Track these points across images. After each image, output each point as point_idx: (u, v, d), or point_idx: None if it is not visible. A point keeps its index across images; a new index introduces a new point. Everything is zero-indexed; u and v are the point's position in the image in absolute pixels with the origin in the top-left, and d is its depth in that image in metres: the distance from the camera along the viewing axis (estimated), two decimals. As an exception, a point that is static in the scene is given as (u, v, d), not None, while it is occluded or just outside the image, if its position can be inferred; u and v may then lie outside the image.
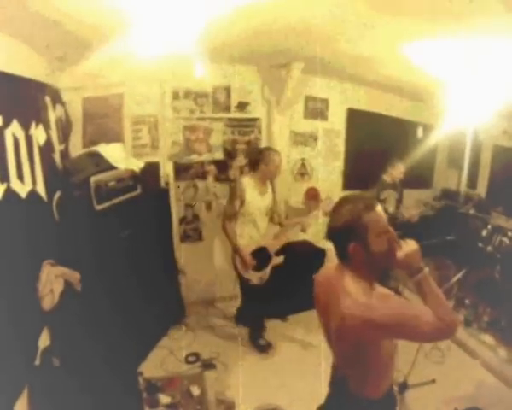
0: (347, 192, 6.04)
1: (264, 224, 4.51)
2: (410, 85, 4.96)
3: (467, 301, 5.48)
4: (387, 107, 6.01)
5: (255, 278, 4.40)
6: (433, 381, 4.24)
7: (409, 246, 1.82)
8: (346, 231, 1.79)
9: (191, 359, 4.29)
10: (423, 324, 1.73)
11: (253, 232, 4.41)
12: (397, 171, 5.49)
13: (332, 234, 1.89)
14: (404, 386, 3.94)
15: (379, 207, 1.83)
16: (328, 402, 2.26)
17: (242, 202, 4.25)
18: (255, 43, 3.79)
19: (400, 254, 1.81)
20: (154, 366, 4.06)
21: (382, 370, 2.00)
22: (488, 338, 4.96)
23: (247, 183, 4.29)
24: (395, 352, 2.01)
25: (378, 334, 1.80)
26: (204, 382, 4.00)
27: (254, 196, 4.31)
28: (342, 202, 1.88)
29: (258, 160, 4.35)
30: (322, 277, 2.15)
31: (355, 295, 1.79)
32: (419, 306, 1.81)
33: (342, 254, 1.87)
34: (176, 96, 4.62)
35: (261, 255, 4.41)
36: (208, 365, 4.23)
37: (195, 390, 3.84)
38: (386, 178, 5.54)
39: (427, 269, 1.82)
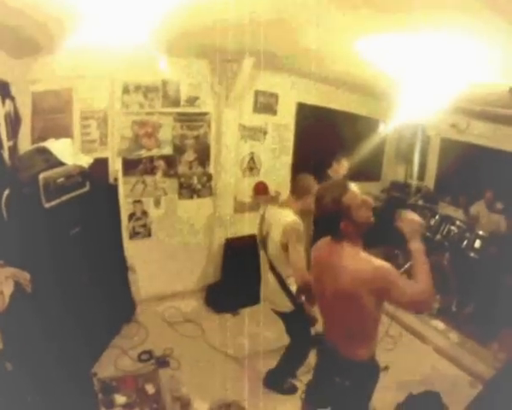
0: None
1: None
2: (360, 80, 5.07)
3: (417, 289, 5.67)
4: (337, 101, 6.14)
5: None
6: (387, 368, 4.37)
7: (409, 215, 2.33)
8: (332, 216, 2.20)
9: (144, 357, 4.24)
10: (404, 288, 2.09)
11: None
12: (341, 167, 5.62)
13: (322, 221, 2.32)
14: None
15: (352, 186, 2.24)
16: (318, 369, 2.68)
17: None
18: (206, 38, 3.76)
19: (400, 221, 2.30)
20: (107, 366, 3.99)
21: (368, 333, 2.35)
22: (439, 324, 5.19)
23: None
24: (379, 318, 2.34)
25: (365, 292, 2.13)
26: (158, 379, 3.96)
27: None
28: (321, 194, 2.29)
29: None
30: (317, 249, 2.51)
31: (347, 261, 2.19)
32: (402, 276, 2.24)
33: (335, 233, 2.27)
34: (126, 90, 4.52)
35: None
36: (162, 362, 4.19)
37: (150, 389, 3.81)
38: (331, 173, 5.66)
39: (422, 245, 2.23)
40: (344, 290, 2.20)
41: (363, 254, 2.21)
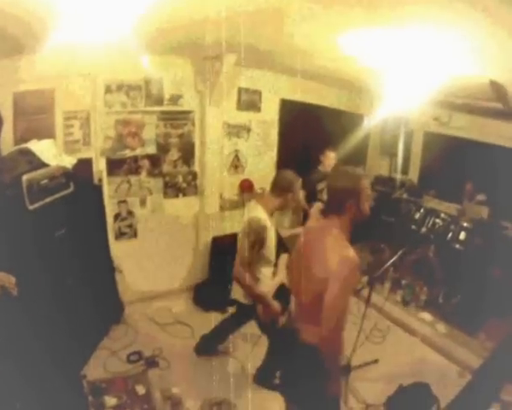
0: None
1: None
2: (344, 75, 5.09)
3: (403, 282, 5.76)
4: (321, 97, 6.16)
5: (281, 321, 3.48)
6: (376, 361, 4.42)
7: None
8: (344, 193, 2.32)
9: (133, 358, 4.21)
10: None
11: (272, 270, 3.71)
12: (329, 159, 5.65)
13: (332, 193, 2.42)
14: (347, 368, 4.06)
15: (366, 181, 2.41)
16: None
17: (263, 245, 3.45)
18: (188, 35, 3.75)
19: None
20: (97, 368, 3.95)
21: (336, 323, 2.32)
22: (427, 315, 5.25)
23: (265, 218, 3.43)
24: (347, 308, 2.41)
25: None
26: (148, 380, 3.94)
27: (271, 229, 3.51)
28: (340, 172, 2.47)
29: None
30: (305, 231, 2.63)
31: (339, 245, 2.26)
32: None
33: (337, 209, 2.36)
34: (108, 89, 4.47)
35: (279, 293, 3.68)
36: (151, 362, 4.17)
37: (141, 389, 3.80)
38: (322, 168, 5.69)
39: None
40: (319, 275, 2.28)
41: (346, 242, 2.30)
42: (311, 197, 5.64)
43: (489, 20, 2.29)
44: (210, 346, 4.38)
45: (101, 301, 4.23)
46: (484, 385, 3.05)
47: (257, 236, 3.33)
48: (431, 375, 4.14)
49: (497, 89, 3.55)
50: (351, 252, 2.20)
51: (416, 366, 4.41)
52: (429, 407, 3.67)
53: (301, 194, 5.63)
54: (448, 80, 3.91)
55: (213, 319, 4.75)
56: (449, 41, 2.87)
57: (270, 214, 3.48)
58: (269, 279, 3.65)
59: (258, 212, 3.40)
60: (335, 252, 2.23)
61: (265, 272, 3.61)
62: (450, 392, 3.39)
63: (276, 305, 3.45)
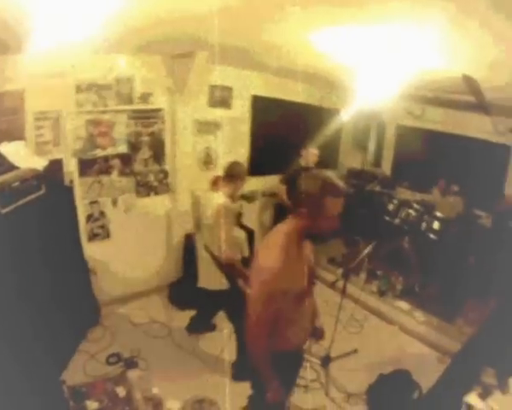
0: (253, 179, 6.19)
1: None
2: (316, 71, 5.11)
3: (379, 273, 5.86)
4: (294, 93, 6.18)
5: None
6: (355, 351, 4.49)
7: None
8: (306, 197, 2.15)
9: (112, 360, 4.16)
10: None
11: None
12: (312, 155, 5.71)
13: (296, 196, 2.23)
14: (327, 359, 4.13)
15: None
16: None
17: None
18: (158, 32, 3.70)
19: None
20: (76, 373, 3.88)
21: (294, 326, 2.30)
22: (404, 304, 5.36)
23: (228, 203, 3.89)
24: (308, 313, 2.37)
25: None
26: (128, 381, 3.90)
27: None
28: (308, 175, 2.27)
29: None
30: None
31: (270, 249, 2.15)
32: None
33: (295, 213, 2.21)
34: (79, 89, 4.36)
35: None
36: (130, 363, 4.13)
37: (121, 391, 3.76)
38: (302, 162, 5.73)
39: None
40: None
41: (278, 250, 2.13)
42: (292, 191, 5.65)
43: (461, 15, 2.34)
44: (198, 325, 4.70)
45: (77, 305, 4.16)
46: (464, 369, 3.13)
47: (231, 217, 3.91)
48: (411, 362, 4.24)
49: (469, 83, 3.65)
50: (271, 261, 2.08)
51: (395, 354, 4.51)
52: (411, 394, 3.77)
53: (282, 189, 5.68)
54: (420, 74, 3.98)
55: (189, 316, 4.77)
56: (421, 36, 2.92)
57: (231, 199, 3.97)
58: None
59: (222, 197, 3.86)
60: (263, 255, 2.17)
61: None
62: (431, 378, 3.46)
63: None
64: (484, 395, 2.61)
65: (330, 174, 2.22)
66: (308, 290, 2.32)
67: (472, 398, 2.61)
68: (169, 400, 3.77)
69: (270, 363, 2.23)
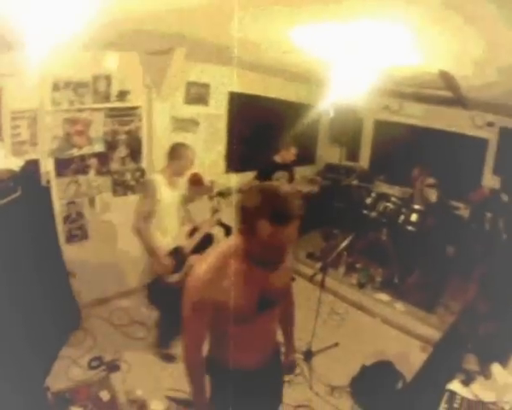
0: (230, 175, 6.18)
1: (178, 222, 4.40)
2: (293, 67, 5.12)
3: (358, 266, 5.92)
4: (271, 89, 6.20)
5: (173, 279, 4.21)
6: (337, 344, 4.53)
7: None
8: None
9: (94, 363, 4.08)
10: None
11: (167, 232, 4.26)
12: (289, 153, 5.70)
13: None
14: (309, 354, 4.17)
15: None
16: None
17: (155, 202, 4.05)
18: (136, 29, 3.64)
19: None
20: (59, 378, 3.79)
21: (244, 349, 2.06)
22: (383, 296, 5.43)
23: (160, 180, 4.09)
24: (262, 339, 2.16)
25: None
26: (112, 385, 3.85)
27: (167, 193, 4.15)
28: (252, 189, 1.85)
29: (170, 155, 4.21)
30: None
31: (205, 257, 1.96)
32: None
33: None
34: (56, 87, 4.25)
35: (177, 256, 4.27)
36: (112, 366, 4.07)
37: (105, 395, 3.71)
38: (278, 159, 5.72)
39: None
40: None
41: (211, 259, 1.92)
42: None
43: (438, 11, 2.37)
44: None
45: (57, 309, 4.07)
46: (445, 357, 3.18)
47: (148, 192, 4.07)
48: (394, 353, 4.31)
49: (446, 78, 3.71)
50: (200, 271, 1.89)
51: (378, 346, 4.56)
52: (395, 383, 3.82)
53: None
54: (397, 70, 4.03)
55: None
56: (398, 32, 2.95)
57: (172, 185, 4.20)
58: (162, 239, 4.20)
59: (156, 176, 4.13)
60: (196, 264, 1.94)
61: (160, 236, 4.17)
62: (414, 367, 3.50)
63: (167, 261, 4.12)
64: (467, 382, 2.65)
65: (286, 190, 1.78)
66: (258, 317, 2.01)
67: (455, 385, 2.64)
68: (153, 401, 3.72)
69: (202, 379, 2.11)
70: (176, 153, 4.16)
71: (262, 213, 1.70)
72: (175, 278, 4.20)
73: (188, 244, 4.35)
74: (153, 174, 4.28)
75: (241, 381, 2.06)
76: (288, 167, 5.76)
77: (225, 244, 2.02)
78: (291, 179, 5.86)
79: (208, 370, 2.14)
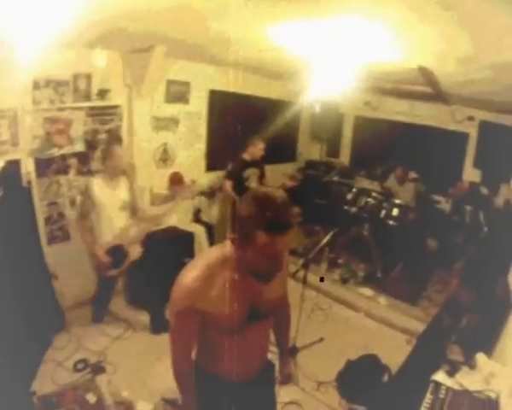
0: (211, 174, 6.16)
1: (122, 220, 4.50)
2: (273, 65, 5.12)
3: (340, 261, 5.96)
4: (251, 86, 6.21)
5: (111, 274, 4.55)
6: (321, 339, 4.56)
7: None
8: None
9: (80, 366, 4.04)
10: None
11: (108, 229, 4.42)
12: (257, 149, 5.70)
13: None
14: (294, 349, 4.17)
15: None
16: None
17: (90, 202, 4.30)
18: (116, 27, 3.61)
19: None
20: (45, 382, 3.73)
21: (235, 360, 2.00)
22: (367, 290, 5.48)
23: (95, 182, 4.31)
24: (251, 351, 2.08)
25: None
26: (98, 387, 3.80)
27: (106, 193, 4.31)
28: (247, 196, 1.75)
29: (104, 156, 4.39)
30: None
31: (194, 263, 1.88)
32: None
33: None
34: (36, 85, 4.17)
35: (118, 252, 4.47)
36: (97, 368, 4.03)
37: (91, 398, 3.66)
38: (247, 156, 5.72)
39: None
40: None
41: (199, 269, 1.83)
42: (239, 186, 5.65)
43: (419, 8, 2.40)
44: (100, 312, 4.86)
45: (41, 311, 4.01)
46: (430, 348, 3.23)
47: (84, 193, 4.34)
48: (379, 346, 4.35)
49: (425, 74, 3.76)
50: (189, 279, 1.80)
51: (362, 340, 4.61)
52: (381, 377, 3.86)
53: (228, 184, 5.66)
54: (377, 66, 4.06)
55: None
56: (377, 29, 2.98)
57: (111, 186, 4.36)
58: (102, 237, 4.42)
59: (93, 179, 4.37)
60: (184, 271, 1.86)
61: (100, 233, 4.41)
62: (399, 360, 3.51)
63: (104, 258, 4.33)
64: (451, 373, 2.68)
65: (282, 198, 1.66)
66: (247, 329, 1.96)
67: (440, 376, 2.67)
68: (140, 402, 3.70)
69: (191, 387, 2.05)
70: (105, 154, 4.34)
71: (257, 223, 1.62)
72: (112, 273, 4.53)
73: (129, 241, 4.59)
74: (90, 177, 4.50)
75: (230, 392, 2.03)
76: (257, 164, 5.78)
77: (214, 253, 1.91)
78: (262, 176, 5.87)
79: (196, 380, 2.08)
